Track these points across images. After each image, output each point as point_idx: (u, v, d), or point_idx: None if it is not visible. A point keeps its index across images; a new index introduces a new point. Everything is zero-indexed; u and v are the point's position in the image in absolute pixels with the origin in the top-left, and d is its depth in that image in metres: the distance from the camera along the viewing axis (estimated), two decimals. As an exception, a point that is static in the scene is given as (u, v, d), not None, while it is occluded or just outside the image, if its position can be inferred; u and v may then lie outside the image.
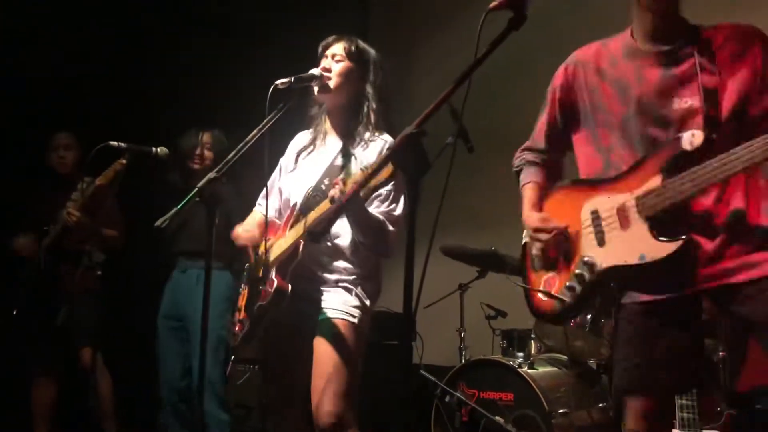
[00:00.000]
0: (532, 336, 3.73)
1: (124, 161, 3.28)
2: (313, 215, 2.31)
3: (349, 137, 2.52)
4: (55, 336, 3.82)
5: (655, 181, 1.87)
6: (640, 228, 1.88)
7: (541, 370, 3.48)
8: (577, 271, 2.01)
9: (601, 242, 1.97)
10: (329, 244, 2.45)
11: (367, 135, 2.49)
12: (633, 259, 1.88)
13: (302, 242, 2.36)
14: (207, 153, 3.81)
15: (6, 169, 4.41)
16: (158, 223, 2.10)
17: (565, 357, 3.65)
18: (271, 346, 2.63)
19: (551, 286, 2.10)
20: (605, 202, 1.98)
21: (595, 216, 2.00)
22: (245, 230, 2.62)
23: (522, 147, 2.38)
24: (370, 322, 2.54)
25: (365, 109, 2.51)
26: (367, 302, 2.49)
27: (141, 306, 4.04)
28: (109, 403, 4.04)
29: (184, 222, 3.58)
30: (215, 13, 5.21)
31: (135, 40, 4.96)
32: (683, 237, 1.82)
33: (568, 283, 2.04)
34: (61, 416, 4.10)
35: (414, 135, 1.52)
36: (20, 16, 4.50)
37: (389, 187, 2.40)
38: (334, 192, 2.11)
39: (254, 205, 2.75)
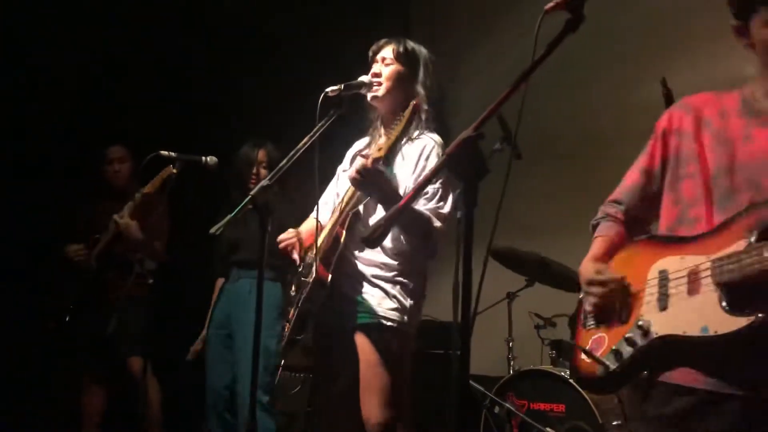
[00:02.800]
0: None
1: (173, 169, 3.32)
2: (347, 197, 2.31)
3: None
4: (105, 344, 3.88)
5: (739, 246, 1.61)
6: (709, 296, 1.62)
7: (593, 380, 3.40)
8: (628, 335, 1.77)
9: (663, 306, 1.73)
10: None
11: (416, 133, 2.47)
12: (693, 331, 1.63)
13: (341, 230, 2.33)
14: (263, 171, 3.79)
15: (60, 180, 4.52)
16: (213, 230, 2.12)
17: (617, 367, 3.56)
18: (316, 351, 2.61)
19: (598, 347, 1.85)
20: (677, 263, 1.73)
21: (663, 277, 1.75)
22: (288, 234, 2.57)
23: (607, 198, 2.16)
24: (416, 324, 2.47)
25: (419, 115, 2.48)
26: (407, 302, 2.42)
27: (189, 315, 4.08)
28: (157, 411, 4.09)
29: (236, 233, 3.60)
30: (263, 24, 5.26)
31: (184, 52, 5.04)
32: (761, 314, 1.53)
33: (615, 347, 1.80)
34: (109, 423, 4.16)
35: (471, 139, 1.49)
36: (67, 31, 4.60)
37: (437, 185, 2.38)
38: (352, 171, 2.11)
39: (306, 212, 2.75)
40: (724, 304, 1.59)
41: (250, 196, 2.12)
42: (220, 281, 3.92)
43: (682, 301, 1.69)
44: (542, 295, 4.01)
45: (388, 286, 2.42)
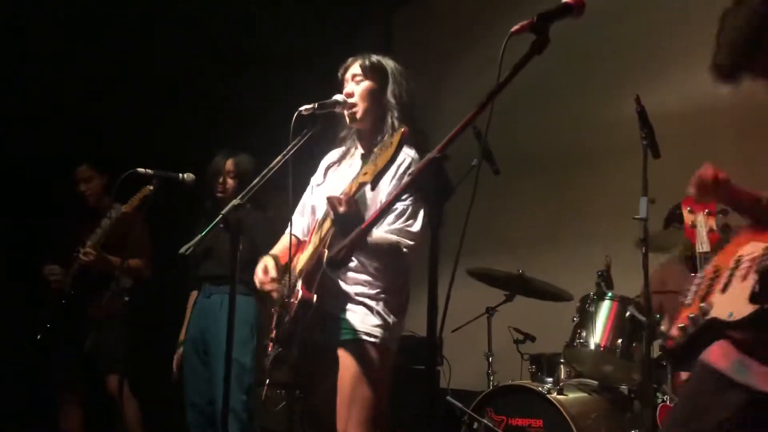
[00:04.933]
0: (562, 361, 3.65)
1: (151, 187, 3.32)
2: (329, 218, 2.30)
3: (372, 149, 2.51)
4: (81, 362, 3.85)
5: None
6: (749, 282, 1.70)
7: (571, 395, 3.41)
8: (692, 315, 1.85)
9: (724, 290, 1.81)
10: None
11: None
12: (723, 315, 1.72)
13: (324, 251, 2.33)
14: (230, 181, 3.78)
15: (35, 199, 4.50)
16: (182, 250, 2.11)
17: (596, 382, 3.57)
18: (300, 369, 2.61)
19: (678, 321, 1.93)
20: (752, 249, 1.79)
21: (737, 261, 1.84)
22: (262, 277, 2.50)
23: None
24: (398, 339, 2.48)
25: (389, 120, 2.50)
26: (390, 319, 2.44)
27: (166, 331, 4.06)
28: (137, 428, 4.06)
29: (209, 247, 3.59)
30: (242, 41, 5.28)
31: (162, 67, 5.03)
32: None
33: (682, 324, 1.88)
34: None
35: (436, 160, 1.50)
36: (39, 47, 4.59)
37: (407, 202, 2.39)
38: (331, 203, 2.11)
39: (280, 230, 2.74)
40: (750, 290, 1.66)
41: (221, 215, 2.12)
42: (194, 295, 3.91)
43: (736, 286, 1.76)
44: (522, 309, 4.02)
45: (372, 303, 2.43)
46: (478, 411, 3.48)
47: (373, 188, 2.18)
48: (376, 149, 2.05)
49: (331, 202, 2.17)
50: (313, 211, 2.66)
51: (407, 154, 2.48)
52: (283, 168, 2.33)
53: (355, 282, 2.45)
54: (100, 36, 4.80)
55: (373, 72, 2.54)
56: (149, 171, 3.29)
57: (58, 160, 4.44)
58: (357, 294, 2.44)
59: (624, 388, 3.54)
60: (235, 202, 2.14)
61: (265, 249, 2.68)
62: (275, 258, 2.54)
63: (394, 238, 2.37)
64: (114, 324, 3.86)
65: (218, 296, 3.71)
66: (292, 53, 5.27)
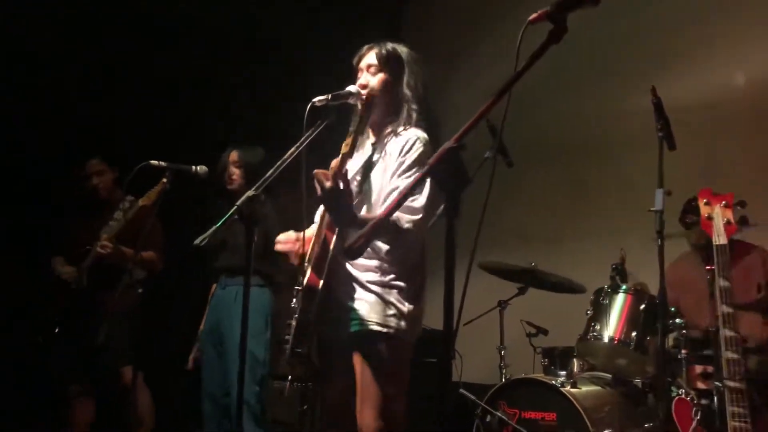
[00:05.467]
0: (575, 354, 3.64)
1: (165, 180, 3.31)
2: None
3: (383, 135, 2.49)
4: (94, 355, 3.87)
5: None
6: None
7: (584, 389, 3.39)
8: None
9: None
10: None
11: (400, 129, 2.47)
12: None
13: (330, 235, 2.29)
14: (235, 171, 3.79)
15: (46, 193, 4.52)
16: (197, 241, 2.11)
17: (609, 375, 3.56)
18: (314, 363, 2.58)
19: None
20: None
21: None
22: (287, 237, 2.53)
23: None
24: (418, 328, 2.42)
25: (404, 111, 2.48)
26: (405, 307, 2.37)
27: (180, 323, 4.07)
28: (149, 420, 4.08)
29: (224, 239, 3.60)
30: (255, 32, 5.27)
31: (174, 58, 5.03)
32: None
33: None
34: (100, 434, 4.15)
35: (453, 150, 1.48)
36: (48, 39, 4.60)
37: (410, 178, 2.33)
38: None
39: (292, 221, 2.72)
40: None
41: (235, 207, 2.11)
42: (215, 287, 3.91)
43: None
44: (534, 303, 4.01)
45: (383, 291, 2.37)
46: (491, 404, 3.47)
47: (350, 156, 2.20)
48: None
49: (317, 177, 2.14)
50: None
51: (414, 133, 2.44)
52: (296, 160, 2.32)
53: (366, 269, 2.39)
54: (109, 28, 4.80)
55: (389, 63, 2.51)
56: (162, 163, 3.28)
57: (63, 156, 4.46)
58: (369, 281, 2.38)
59: (638, 381, 3.52)
60: (249, 193, 2.14)
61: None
62: (299, 236, 2.50)
63: (394, 218, 2.28)
64: (127, 316, 3.87)
65: (233, 288, 3.72)
66: (303, 44, 5.26)
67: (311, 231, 2.58)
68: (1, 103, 4.48)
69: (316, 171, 2.17)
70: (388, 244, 2.36)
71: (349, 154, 2.18)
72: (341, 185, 2.14)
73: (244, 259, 2.16)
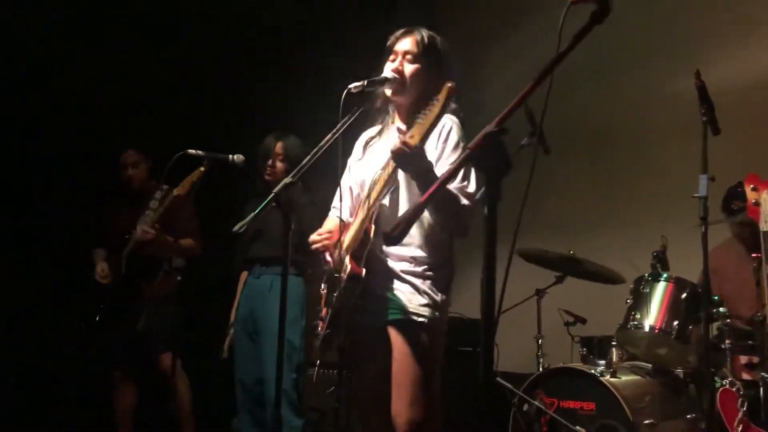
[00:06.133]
0: (614, 343, 3.59)
1: (203, 169, 3.34)
2: (375, 191, 2.28)
3: (413, 123, 2.47)
4: (135, 341, 3.93)
5: None
6: None
7: (624, 378, 3.34)
8: None
9: None
10: None
11: None
12: None
13: (371, 226, 2.30)
14: (279, 164, 3.76)
15: (85, 185, 4.60)
16: (236, 228, 2.12)
17: (650, 365, 3.50)
18: (347, 351, 2.59)
19: None
20: None
21: None
22: (319, 234, 2.54)
23: None
24: (446, 318, 2.44)
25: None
26: (438, 297, 2.40)
27: (218, 311, 4.11)
28: (188, 406, 4.14)
29: (259, 229, 3.61)
30: (287, 19, 5.26)
31: (206, 48, 5.06)
32: None
33: None
34: (141, 419, 4.22)
35: (494, 134, 1.46)
36: (79, 32, 4.65)
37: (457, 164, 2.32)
38: (395, 146, 2.07)
39: (326, 213, 2.72)
40: None
41: (273, 194, 2.11)
42: (245, 275, 3.93)
43: None
44: (572, 291, 3.95)
45: (418, 282, 2.39)
46: (528, 393, 3.44)
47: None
48: (419, 116, 2.02)
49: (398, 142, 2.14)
50: (351, 191, 2.62)
51: (449, 119, 2.43)
52: (332, 147, 2.31)
53: (401, 258, 2.40)
54: (145, 18, 4.84)
55: (426, 53, 2.47)
56: (200, 152, 3.30)
57: (99, 147, 4.51)
58: (403, 271, 2.40)
59: (679, 371, 3.46)
60: (286, 180, 2.14)
61: (312, 231, 2.66)
62: (331, 232, 2.50)
63: (454, 192, 2.30)
64: (166, 303, 3.93)
65: (268, 277, 3.72)
66: (334, 36, 5.24)
67: (332, 222, 2.59)
68: (34, 98, 4.56)
69: (392, 148, 2.17)
70: (441, 223, 2.36)
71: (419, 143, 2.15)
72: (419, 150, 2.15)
73: (279, 248, 2.16)
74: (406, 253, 2.40)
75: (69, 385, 4.54)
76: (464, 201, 2.30)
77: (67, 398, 4.53)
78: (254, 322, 3.73)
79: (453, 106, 2.46)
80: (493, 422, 3.50)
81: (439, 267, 2.43)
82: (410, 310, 2.36)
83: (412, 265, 2.40)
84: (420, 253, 2.40)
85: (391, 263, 2.41)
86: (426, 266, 2.41)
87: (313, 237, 2.53)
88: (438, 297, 2.40)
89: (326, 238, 2.49)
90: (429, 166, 2.23)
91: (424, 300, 2.38)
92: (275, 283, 3.60)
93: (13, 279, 4.38)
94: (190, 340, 4.01)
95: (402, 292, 2.39)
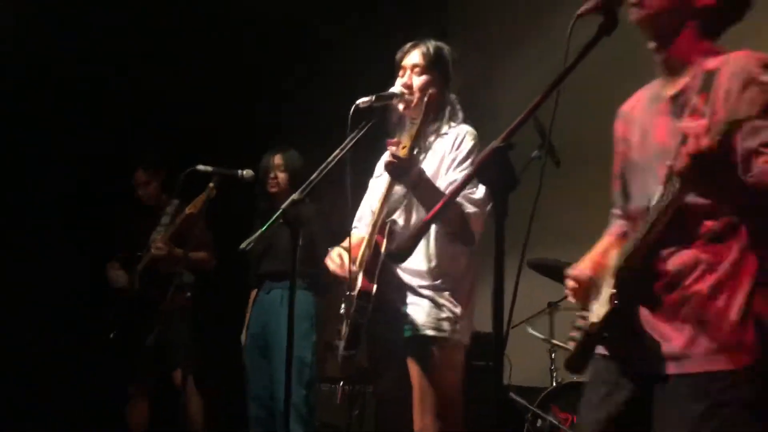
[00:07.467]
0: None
1: (212, 185, 3.33)
2: (377, 204, 2.30)
3: (425, 135, 2.46)
4: (148, 357, 3.93)
5: None
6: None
7: (639, 393, 3.29)
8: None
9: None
10: None
11: (444, 128, 2.47)
12: None
13: (381, 239, 2.28)
14: (281, 175, 3.81)
15: (97, 200, 4.63)
16: (243, 245, 2.11)
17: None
18: (368, 364, 2.56)
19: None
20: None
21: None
22: (333, 258, 2.47)
23: None
24: (469, 331, 2.41)
25: (447, 112, 2.48)
26: (458, 309, 2.36)
27: (229, 326, 4.11)
28: (199, 422, 4.12)
29: (268, 244, 3.61)
30: (297, 34, 5.28)
31: (217, 63, 5.09)
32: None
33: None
34: (154, 435, 4.22)
35: (501, 149, 1.45)
36: (92, 44, 4.70)
37: (465, 171, 2.33)
38: (387, 158, 2.12)
39: (335, 225, 2.71)
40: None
41: (281, 210, 2.10)
42: (254, 293, 3.94)
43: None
44: (585, 305, 3.91)
45: (435, 295, 2.36)
46: (542, 408, 3.41)
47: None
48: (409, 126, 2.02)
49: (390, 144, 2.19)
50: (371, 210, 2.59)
51: (465, 129, 2.44)
52: (340, 162, 2.30)
53: (417, 273, 2.37)
54: (158, 32, 4.87)
55: (434, 65, 2.47)
56: (209, 168, 3.31)
57: (118, 161, 4.54)
58: (420, 287, 2.37)
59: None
60: (294, 196, 2.12)
61: (322, 244, 2.65)
62: (345, 249, 2.46)
63: (459, 201, 2.29)
64: (178, 319, 3.93)
65: (278, 291, 3.73)
66: (346, 49, 5.25)
67: (355, 236, 2.56)
68: (53, 109, 4.60)
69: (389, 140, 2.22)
70: (448, 234, 2.34)
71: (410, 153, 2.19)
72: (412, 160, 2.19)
73: (288, 263, 2.15)
74: (421, 267, 2.38)
75: (83, 398, 4.55)
76: (470, 209, 2.30)
77: (81, 412, 4.53)
78: (265, 338, 3.72)
79: (461, 114, 2.49)
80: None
81: (458, 278, 2.40)
82: (429, 325, 2.33)
83: (428, 279, 2.37)
84: (435, 267, 2.37)
85: (407, 278, 2.39)
86: (441, 279, 2.37)
87: (328, 261, 2.49)
88: (458, 309, 2.36)
89: (340, 265, 2.43)
90: (421, 173, 2.25)
91: (444, 314, 2.35)
92: (285, 297, 3.60)
93: (30, 292, 4.41)
94: (202, 355, 4.00)
95: (420, 306, 2.36)
